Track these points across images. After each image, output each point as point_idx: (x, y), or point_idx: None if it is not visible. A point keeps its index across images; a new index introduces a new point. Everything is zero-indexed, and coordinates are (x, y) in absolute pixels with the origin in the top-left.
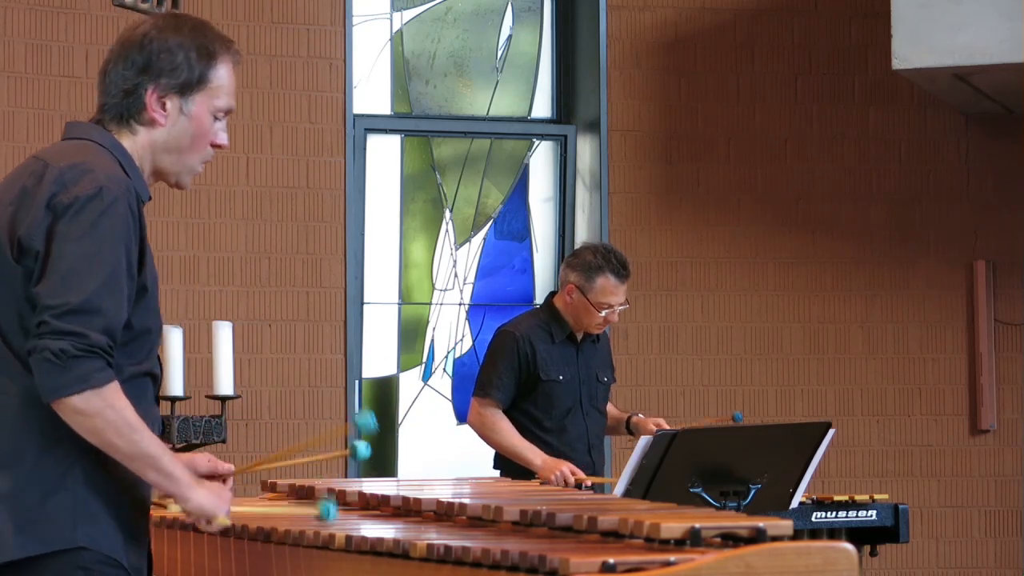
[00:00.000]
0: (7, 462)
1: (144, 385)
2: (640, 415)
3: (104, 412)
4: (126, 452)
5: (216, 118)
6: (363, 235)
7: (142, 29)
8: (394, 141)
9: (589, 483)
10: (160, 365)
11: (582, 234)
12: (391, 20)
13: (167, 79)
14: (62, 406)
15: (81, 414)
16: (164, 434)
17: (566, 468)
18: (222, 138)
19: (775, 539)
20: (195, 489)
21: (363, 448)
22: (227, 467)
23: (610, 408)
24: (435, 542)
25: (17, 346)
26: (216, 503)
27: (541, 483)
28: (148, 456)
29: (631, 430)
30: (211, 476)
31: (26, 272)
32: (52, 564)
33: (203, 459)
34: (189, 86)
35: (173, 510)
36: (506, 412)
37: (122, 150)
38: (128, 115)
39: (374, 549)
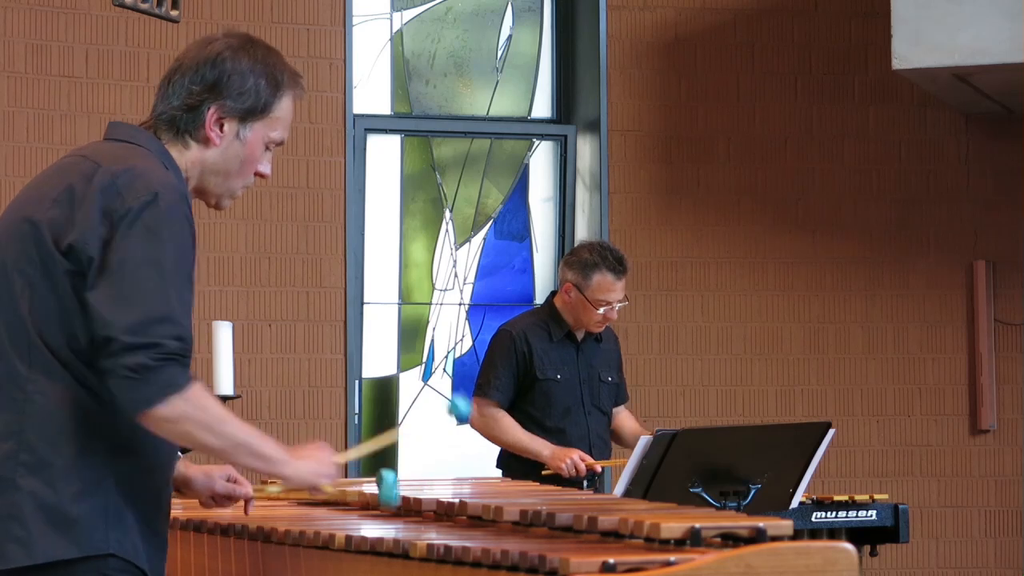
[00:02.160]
0: (43, 464)
1: None
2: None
3: (192, 414)
4: (221, 448)
5: (267, 148)
6: (363, 235)
7: (217, 47)
8: (394, 141)
9: (600, 469)
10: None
11: (582, 234)
12: (391, 20)
13: (232, 102)
14: (149, 419)
15: (169, 421)
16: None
17: (576, 455)
18: (266, 168)
19: (775, 539)
20: (292, 465)
21: (390, 482)
22: (245, 491)
23: (630, 423)
24: (435, 542)
25: (56, 345)
26: (317, 473)
27: (548, 474)
28: (242, 445)
29: None
30: (226, 497)
31: (72, 272)
32: (78, 569)
33: (222, 476)
34: (252, 113)
35: (272, 491)
36: (507, 412)
37: (171, 159)
38: (184, 129)
39: (374, 549)
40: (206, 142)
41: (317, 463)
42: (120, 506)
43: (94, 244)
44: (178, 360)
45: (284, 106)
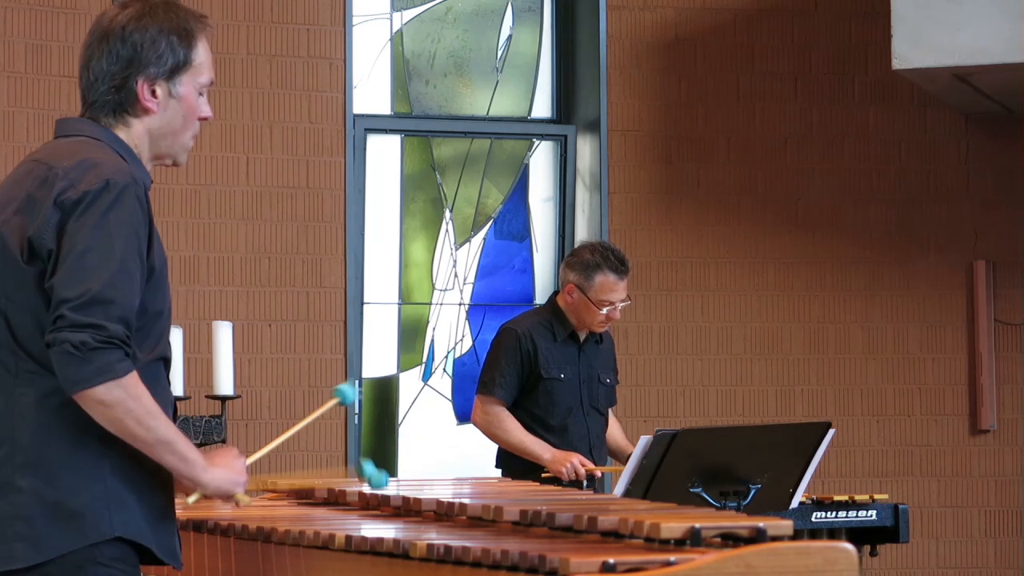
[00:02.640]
0: (40, 462)
1: (158, 369)
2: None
3: (125, 402)
4: (145, 439)
5: (200, 93)
6: (363, 235)
7: (119, 20)
8: (394, 141)
9: (599, 474)
10: (170, 347)
11: (582, 234)
12: (391, 20)
13: (155, 68)
14: (85, 398)
15: (104, 405)
16: None
17: (576, 460)
18: (206, 110)
19: (775, 539)
20: (209, 471)
21: (349, 392)
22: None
23: (617, 432)
24: (435, 542)
25: (38, 350)
26: (233, 481)
27: (547, 477)
28: (166, 442)
29: None
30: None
31: (38, 274)
32: (86, 557)
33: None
34: (176, 70)
35: (190, 501)
36: (509, 411)
37: (119, 142)
38: (121, 108)
39: (374, 549)
40: (145, 112)
41: (231, 471)
42: (121, 491)
43: (49, 235)
44: (120, 346)
45: (201, 52)
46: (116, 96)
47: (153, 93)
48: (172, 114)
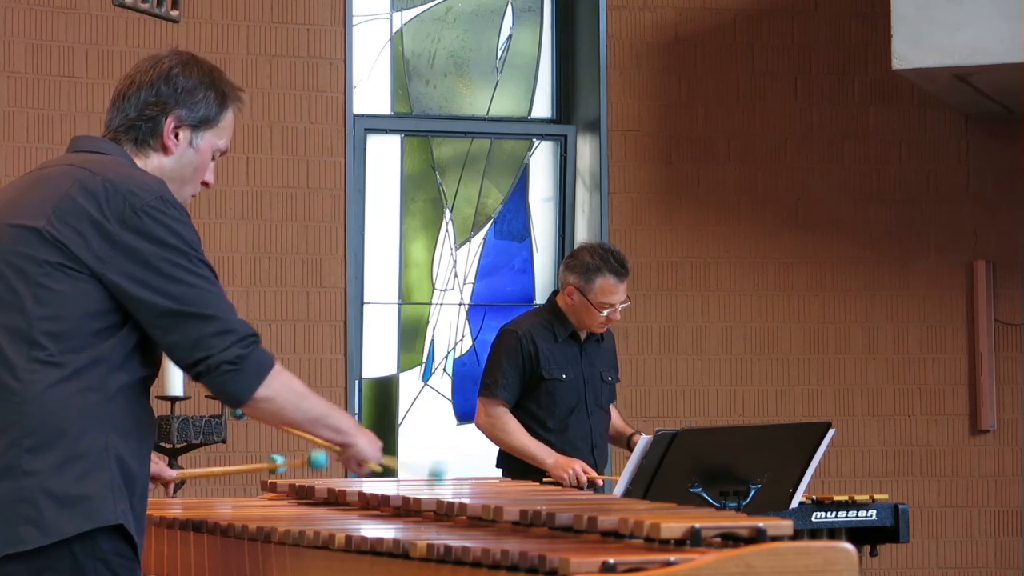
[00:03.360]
0: (47, 447)
1: (147, 385)
2: (642, 434)
3: (282, 392)
4: (303, 419)
5: (213, 157)
6: (363, 235)
7: (168, 63)
8: (394, 141)
9: (601, 482)
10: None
11: (582, 234)
12: (391, 20)
13: (187, 112)
14: (254, 402)
15: (268, 401)
16: (164, 434)
17: (578, 466)
18: (211, 176)
19: (775, 539)
20: (361, 436)
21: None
22: (171, 474)
23: (615, 418)
24: (435, 542)
25: (54, 338)
26: (375, 450)
27: (548, 481)
28: (322, 416)
29: (631, 448)
30: (153, 479)
31: (63, 266)
32: (87, 543)
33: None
34: (204, 122)
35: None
36: (511, 412)
37: (137, 167)
38: (143, 138)
39: (374, 549)
40: (164, 150)
41: (375, 444)
42: (121, 483)
43: (108, 256)
44: (256, 340)
45: (229, 116)
46: (144, 126)
47: (176, 135)
48: (186, 162)
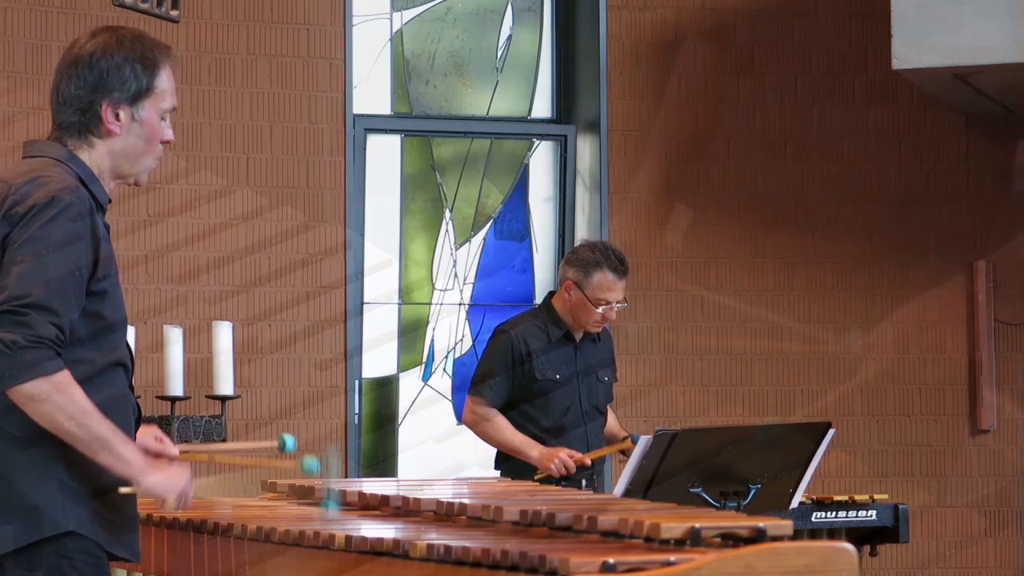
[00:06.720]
0: None
1: (116, 374)
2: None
3: (54, 397)
4: (78, 435)
5: (162, 118)
6: (363, 235)
7: (88, 48)
8: (394, 141)
9: (589, 462)
10: (131, 354)
11: (582, 234)
12: (391, 20)
13: (119, 92)
14: (15, 393)
15: (33, 400)
16: (164, 434)
17: (563, 455)
18: (168, 134)
19: (775, 539)
20: (147, 473)
21: (291, 442)
22: (173, 451)
23: (611, 421)
24: (435, 542)
25: None
26: (168, 486)
27: (541, 479)
28: (100, 439)
29: (625, 453)
30: (157, 455)
31: None
32: (41, 551)
33: (151, 437)
34: (139, 96)
35: (121, 491)
36: (505, 413)
37: (79, 162)
38: (86, 130)
39: (374, 549)
40: (109, 135)
41: (169, 478)
42: (76, 488)
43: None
44: (49, 346)
45: (164, 79)
46: (82, 118)
47: (117, 116)
48: (134, 137)
